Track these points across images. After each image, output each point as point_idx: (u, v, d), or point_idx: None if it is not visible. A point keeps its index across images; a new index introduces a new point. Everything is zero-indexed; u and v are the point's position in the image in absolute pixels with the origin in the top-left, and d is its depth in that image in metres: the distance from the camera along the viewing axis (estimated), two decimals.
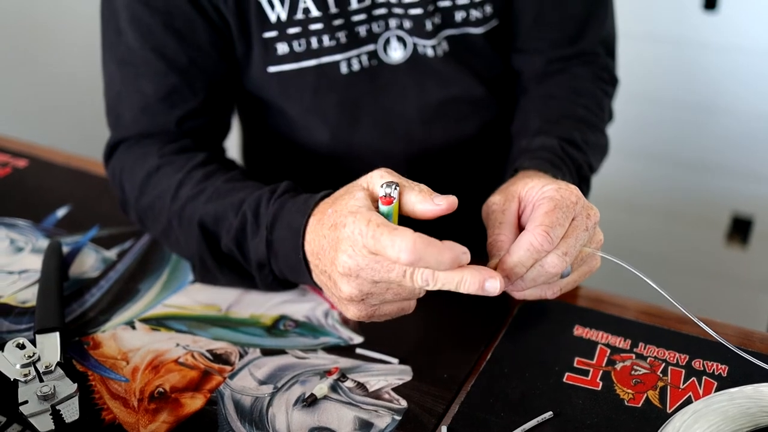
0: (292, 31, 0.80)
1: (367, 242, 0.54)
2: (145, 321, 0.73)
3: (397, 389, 0.64)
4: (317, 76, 0.83)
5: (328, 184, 0.77)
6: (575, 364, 0.66)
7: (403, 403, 0.63)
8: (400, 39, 0.84)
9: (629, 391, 0.63)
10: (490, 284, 0.54)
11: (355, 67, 0.83)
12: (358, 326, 0.72)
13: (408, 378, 0.65)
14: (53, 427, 0.59)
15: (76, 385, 0.63)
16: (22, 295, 0.76)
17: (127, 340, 0.70)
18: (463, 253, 0.53)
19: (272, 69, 0.82)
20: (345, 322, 0.72)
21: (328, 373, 0.66)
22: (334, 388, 0.64)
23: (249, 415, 0.62)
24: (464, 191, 0.82)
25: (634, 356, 0.67)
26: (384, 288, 0.57)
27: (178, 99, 0.80)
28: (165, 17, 0.77)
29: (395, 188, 0.56)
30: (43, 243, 0.84)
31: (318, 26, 0.80)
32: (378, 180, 0.58)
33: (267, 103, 0.87)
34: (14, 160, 1.04)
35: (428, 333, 0.71)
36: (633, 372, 0.65)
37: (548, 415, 0.60)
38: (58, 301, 0.73)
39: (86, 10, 1.34)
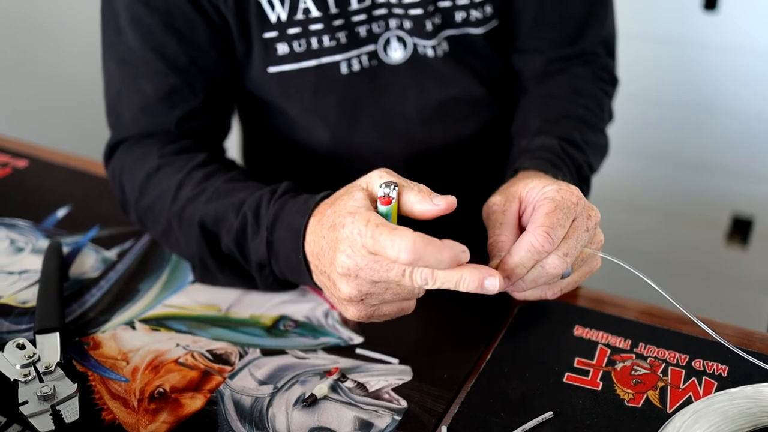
0: (292, 31, 0.80)
1: (366, 242, 0.54)
2: (145, 321, 0.73)
3: (397, 389, 0.64)
4: (317, 77, 0.83)
5: (328, 184, 0.77)
6: (575, 364, 0.66)
7: (403, 403, 0.63)
8: (400, 39, 0.84)
9: (629, 391, 0.63)
10: (490, 282, 0.54)
11: (356, 67, 0.83)
12: (358, 326, 0.72)
13: (408, 378, 0.65)
14: (53, 428, 0.59)
15: (76, 385, 0.63)
16: (22, 296, 0.76)
17: (127, 340, 0.70)
18: (462, 251, 0.53)
19: (272, 69, 0.82)
20: (345, 322, 0.72)
21: (328, 373, 0.66)
22: (334, 388, 0.64)
23: (249, 415, 0.62)
24: (464, 191, 0.82)
25: (634, 356, 0.67)
26: (383, 288, 0.57)
27: (178, 99, 0.80)
28: (165, 17, 0.77)
29: (394, 188, 0.56)
30: (43, 243, 0.84)
31: (318, 26, 0.80)
32: (377, 180, 0.58)
33: (267, 103, 0.87)
34: (14, 160, 1.04)
35: (428, 333, 0.71)
36: (633, 372, 0.65)
37: (548, 415, 0.60)
38: (58, 301, 0.73)
39: (86, 10, 1.34)
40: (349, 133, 0.87)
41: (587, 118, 0.85)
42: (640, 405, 0.61)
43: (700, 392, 0.62)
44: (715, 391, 0.62)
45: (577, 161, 0.79)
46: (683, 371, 0.65)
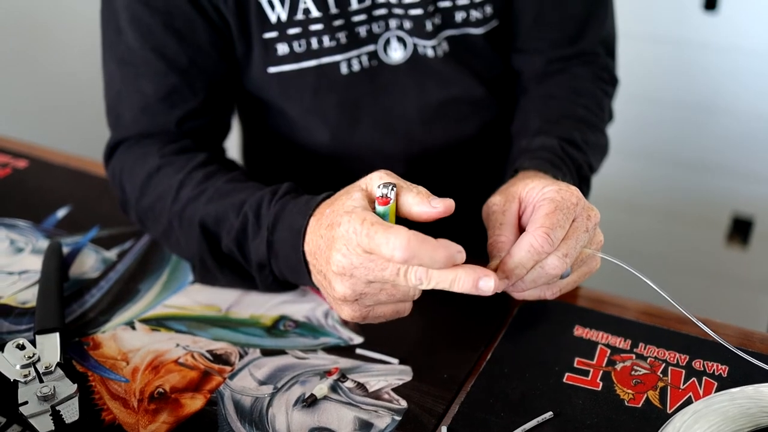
0: (292, 31, 0.80)
1: (361, 240, 0.54)
2: (145, 321, 0.73)
3: (397, 389, 0.64)
4: (317, 77, 0.83)
5: (328, 184, 0.77)
6: (575, 365, 0.66)
7: (403, 404, 0.63)
8: (400, 39, 0.84)
9: (629, 391, 0.63)
10: (484, 283, 0.53)
11: (356, 67, 0.83)
12: (358, 326, 0.72)
13: (408, 378, 0.65)
14: (53, 428, 0.59)
15: (76, 385, 0.63)
16: (22, 296, 0.76)
17: (127, 340, 0.70)
18: (458, 251, 0.53)
19: (272, 69, 0.82)
20: (345, 322, 0.72)
21: (328, 373, 0.66)
22: (334, 388, 0.64)
23: (249, 415, 0.62)
24: (464, 191, 0.83)
25: (634, 356, 0.67)
26: (378, 288, 0.57)
27: (178, 99, 0.80)
28: (165, 17, 0.77)
29: (392, 189, 0.56)
30: (43, 243, 0.84)
31: (318, 27, 0.80)
32: (376, 181, 0.58)
33: (267, 103, 0.87)
34: (14, 160, 1.04)
35: (428, 333, 0.71)
36: (633, 372, 0.65)
37: (548, 415, 0.60)
38: (58, 301, 0.73)
39: (86, 10, 1.34)
40: (349, 134, 0.87)
41: (587, 118, 0.85)
42: (640, 405, 0.61)
43: (700, 392, 0.62)
44: (715, 392, 0.62)
45: (577, 161, 0.79)
46: (683, 371, 0.65)
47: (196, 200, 0.73)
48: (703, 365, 0.65)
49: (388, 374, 0.66)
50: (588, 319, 0.71)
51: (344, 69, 0.83)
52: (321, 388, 0.64)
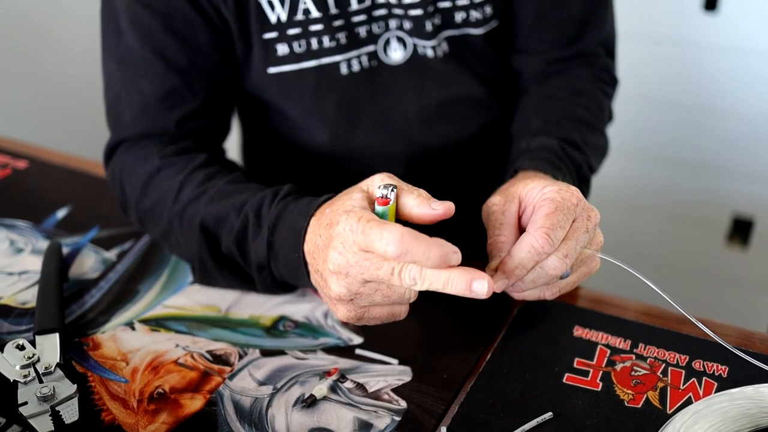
0: (292, 32, 0.80)
1: (357, 238, 0.54)
2: (145, 322, 0.73)
3: (396, 390, 0.64)
4: (317, 77, 0.83)
5: (328, 184, 0.77)
6: (575, 365, 0.66)
7: (403, 404, 0.63)
8: (400, 40, 0.84)
9: (629, 391, 0.63)
10: (478, 285, 0.53)
11: (355, 67, 0.83)
12: (357, 327, 0.72)
13: (407, 378, 0.65)
14: (53, 428, 0.59)
15: (75, 386, 0.63)
16: (21, 296, 0.76)
17: (126, 341, 0.70)
18: (453, 252, 0.53)
19: (272, 70, 0.82)
20: (344, 323, 0.72)
21: (328, 373, 0.66)
22: (333, 388, 0.64)
23: (248, 415, 0.62)
24: (464, 192, 0.83)
25: (634, 357, 0.67)
26: (373, 288, 0.57)
27: (178, 100, 0.80)
28: (165, 18, 0.77)
29: (392, 190, 0.57)
30: (43, 244, 0.84)
31: (318, 27, 0.80)
32: (377, 182, 0.58)
33: (267, 104, 0.87)
34: (14, 161, 1.04)
35: (428, 333, 0.71)
36: (633, 373, 0.65)
37: (548, 415, 0.60)
38: (57, 302, 0.73)
39: (86, 10, 1.34)
40: (349, 134, 0.87)
41: (587, 119, 0.85)
42: (639, 405, 0.61)
43: (700, 393, 0.62)
44: (715, 392, 0.62)
45: (576, 162, 0.79)
46: (683, 372, 0.65)
47: (197, 201, 0.73)
48: (703, 366, 0.65)
49: (387, 375, 0.66)
50: (588, 319, 0.71)
51: (344, 69, 0.83)
52: (320, 388, 0.64)
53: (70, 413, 0.61)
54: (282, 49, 0.81)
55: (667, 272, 1.82)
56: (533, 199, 0.63)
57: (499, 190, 0.67)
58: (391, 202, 0.57)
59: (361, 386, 0.65)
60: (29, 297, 0.76)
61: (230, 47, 0.81)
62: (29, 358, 0.65)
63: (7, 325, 0.72)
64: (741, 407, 0.58)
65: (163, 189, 0.76)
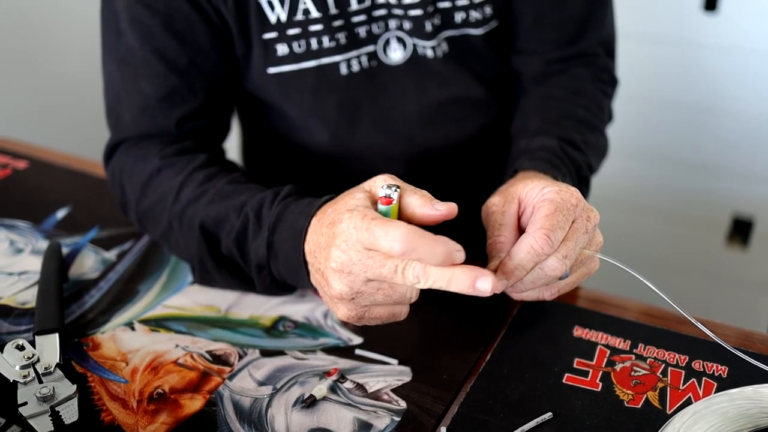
0: (291, 32, 0.80)
1: (360, 236, 0.54)
2: (145, 322, 0.73)
3: (396, 390, 0.64)
4: (317, 77, 0.83)
5: (328, 184, 0.77)
6: (575, 365, 0.66)
7: (403, 404, 0.63)
8: (399, 40, 0.84)
9: (629, 392, 0.63)
10: (482, 283, 0.53)
11: (355, 68, 0.83)
12: (357, 327, 0.72)
13: (407, 379, 0.65)
14: (52, 429, 0.59)
15: (75, 386, 0.63)
16: (21, 297, 0.76)
17: (126, 341, 0.70)
18: (457, 250, 0.53)
19: (272, 70, 0.82)
20: (344, 323, 0.72)
21: (328, 374, 0.66)
22: (333, 389, 0.64)
23: (248, 416, 0.62)
24: (464, 192, 0.83)
25: (633, 357, 0.67)
26: (375, 288, 0.57)
27: (178, 100, 0.80)
28: (165, 19, 0.77)
29: (395, 190, 0.57)
30: (43, 244, 0.84)
31: (318, 27, 0.80)
32: (380, 183, 0.59)
33: (267, 104, 0.87)
34: (14, 161, 1.04)
35: (427, 334, 0.71)
36: (633, 373, 0.65)
37: (548, 416, 0.60)
38: (57, 302, 0.73)
39: (86, 10, 1.34)
40: (349, 134, 0.87)
41: (587, 119, 0.85)
42: (639, 406, 0.61)
43: (700, 393, 0.62)
44: (715, 392, 0.62)
45: (576, 162, 0.79)
46: (683, 372, 0.65)
47: (197, 201, 0.73)
48: (703, 366, 0.65)
49: (387, 375, 0.66)
50: (587, 319, 0.71)
51: (344, 69, 0.83)
52: (320, 388, 0.64)
53: (70, 413, 0.61)
54: (282, 49, 0.81)
55: (667, 272, 1.82)
56: (533, 199, 0.63)
57: (499, 191, 0.67)
58: (394, 202, 0.57)
59: (360, 386, 0.65)
60: (29, 297, 0.76)
61: (230, 47, 0.81)
62: (29, 358, 0.65)
63: (6, 325, 0.72)
64: (741, 407, 0.58)
65: (163, 189, 0.76)
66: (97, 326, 0.72)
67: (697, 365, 0.65)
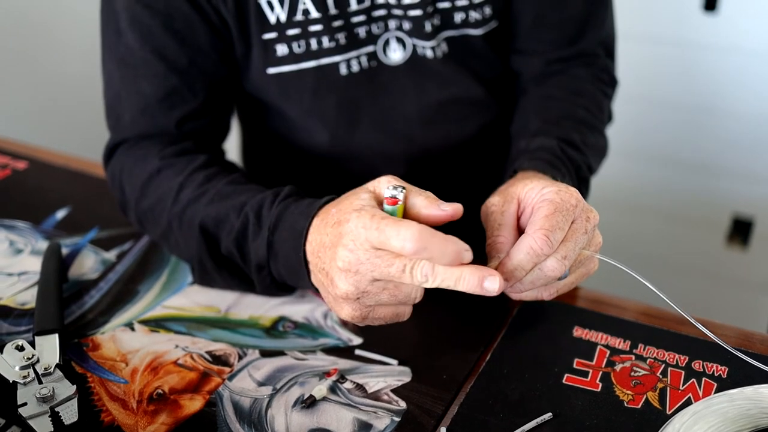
0: (291, 32, 0.80)
1: (370, 235, 0.54)
2: (145, 322, 0.73)
3: (396, 390, 0.64)
4: (316, 78, 0.83)
5: (328, 185, 0.77)
6: (575, 365, 0.66)
7: (402, 405, 0.63)
8: (399, 40, 0.84)
9: (629, 392, 0.63)
10: (489, 282, 0.54)
11: (355, 68, 0.83)
12: (357, 327, 0.72)
13: (407, 379, 0.65)
14: (52, 429, 0.59)
15: (75, 386, 0.63)
16: (21, 297, 0.76)
17: (126, 341, 0.70)
18: (465, 250, 0.54)
19: (271, 70, 0.82)
20: (344, 323, 0.72)
21: (327, 374, 0.66)
22: (333, 389, 0.64)
23: (248, 416, 0.62)
24: (464, 192, 0.83)
25: (633, 357, 0.67)
26: (380, 287, 0.57)
27: (178, 100, 0.80)
28: (165, 19, 0.77)
29: (401, 191, 0.57)
30: (43, 245, 0.84)
31: (317, 27, 0.80)
32: (385, 184, 0.59)
33: (266, 104, 0.87)
34: (14, 161, 1.04)
35: (427, 334, 0.71)
36: (632, 373, 0.65)
37: (548, 416, 0.60)
38: (57, 302, 0.73)
39: (86, 10, 1.34)
40: (349, 134, 0.87)
41: (587, 119, 0.85)
42: (639, 406, 0.61)
43: (700, 393, 0.62)
44: (715, 393, 0.62)
45: (576, 162, 0.79)
46: (683, 372, 0.65)
47: (197, 202, 0.73)
48: (703, 366, 0.65)
49: (387, 375, 0.66)
50: (587, 319, 0.71)
51: (343, 70, 0.83)
52: (320, 389, 0.64)
53: (70, 414, 0.61)
54: (281, 49, 0.81)
55: (667, 272, 1.82)
56: (532, 199, 0.63)
57: (498, 191, 0.67)
58: (400, 202, 0.57)
59: (360, 387, 0.65)
60: (29, 298, 0.76)
61: (230, 48, 0.81)
62: (29, 359, 0.65)
63: (6, 325, 0.72)
64: (741, 408, 0.58)
65: (163, 190, 0.76)
66: (96, 327, 0.72)
67: (697, 365, 0.65)
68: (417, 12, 0.81)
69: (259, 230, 0.68)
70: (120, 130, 0.82)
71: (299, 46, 0.81)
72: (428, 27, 0.82)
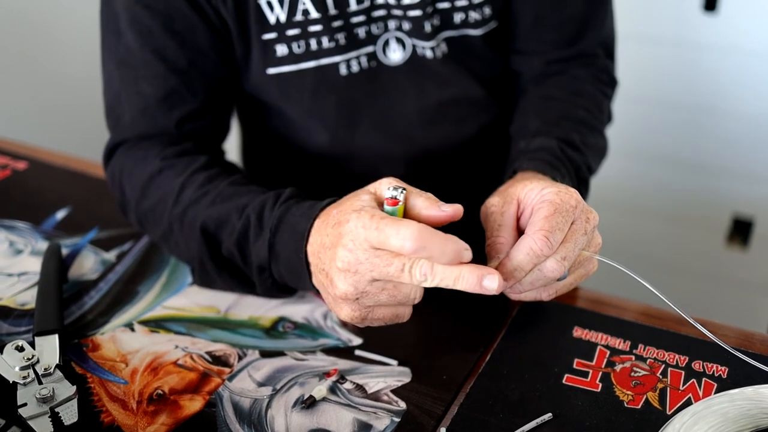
0: (291, 32, 0.80)
1: (369, 235, 0.54)
2: (144, 323, 0.73)
3: (396, 391, 0.64)
4: (316, 78, 0.83)
5: (328, 185, 0.77)
6: (575, 366, 0.66)
7: (402, 405, 0.63)
8: (399, 40, 0.84)
9: (629, 392, 0.63)
10: (489, 281, 0.54)
11: (354, 68, 0.83)
12: (357, 328, 0.72)
13: (407, 379, 0.65)
14: (52, 430, 0.59)
15: (75, 387, 0.63)
16: (21, 298, 0.76)
17: (126, 342, 0.70)
18: (465, 249, 0.54)
19: (271, 71, 0.82)
20: (344, 324, 0.72)
21: (327, 374, 0.66)
22: (332, 389, 0.64)
23: (248, 417, 0.62)
24: (463, 192, 0.83)
25: (633, 358, 0.67)
26: (380, 288, 0.57)
27: (178, 101, 0.80)
28: (165, 19, 0.77)
29: (402, 192, 0.57)
30: (43, 245, 0.84)
31: (317, 28, 0.80)
32: (385, 185, 0.59)
33: (266, 104, 0.87)
34: (14, 162, 1.04)
35: (427, 334, 0.71)
36: (632, 373, 0.65)
37: (547, 416, 0.60)
38: (57, 303, 0.73)
39: (86, 10, 1.34)
40: (349, 135, 0.87)
41: (586, 120, 0.85)
42: (639, 406, 0.61)
43: (700, 393, 0.62)
44: (715, 393, 0.62)
45: (575, 163, 0.79)
46: (683, 372, 0.65)
47: (198, 203, 0.73)
48: (703, 366, 0.65)
49: (387, 375, 0.66)
50: (587, 320, 0.71)
51: (343, 70, 0.83)
52: (320, 389, 0.64)
53: (70, 414, 0.61)
54: (281, 49, 0.81)
55: (667, 273, 1.82)
56: (532, 200, 0.63)
57: (498, 191, 0.67)
58: (400, 203, 0.57)
59: (360, 387, 0.64)
60: (28, 298, 0.76)
61: (229, 48, 0.81)
62: (28, 359, 0.65)
63: (6, 326, 0.72)
64: (741, 408, 0.58)
65: (164, 191, 0.76)
66: (96, 327, 0.72)
67: (697, 366, 0.65)
68: (416, 12, 0.81)
69: (261, 232, 0.68)
70: (120, 130, 0.82)
71: (299, 47, 0.81)
72: (428, 27, 0.82)
